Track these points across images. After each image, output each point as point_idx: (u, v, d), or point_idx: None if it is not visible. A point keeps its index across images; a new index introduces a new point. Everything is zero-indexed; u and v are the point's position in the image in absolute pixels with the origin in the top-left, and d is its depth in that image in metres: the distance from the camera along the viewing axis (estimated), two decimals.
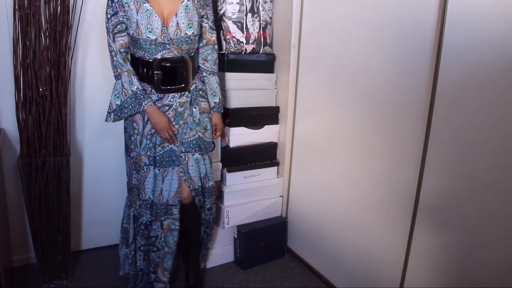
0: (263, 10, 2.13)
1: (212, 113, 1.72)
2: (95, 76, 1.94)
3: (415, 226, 1.43)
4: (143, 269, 1.71)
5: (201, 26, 1.62)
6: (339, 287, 1.86)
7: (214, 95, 1.72)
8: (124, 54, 1.53)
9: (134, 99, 1.51)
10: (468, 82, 1.22)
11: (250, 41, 2.10)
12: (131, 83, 1.51)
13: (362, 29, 1.61)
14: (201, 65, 1.69)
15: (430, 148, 1.35)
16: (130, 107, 1.52)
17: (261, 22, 2.13)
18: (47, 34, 1.65)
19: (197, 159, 1.66)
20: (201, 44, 1.67)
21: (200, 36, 1.64)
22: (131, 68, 1.53)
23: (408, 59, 1.42)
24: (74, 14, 1.71)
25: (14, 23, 1.60)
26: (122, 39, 1.51)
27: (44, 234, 1.74)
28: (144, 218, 1.65)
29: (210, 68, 1.70)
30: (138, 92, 1.51)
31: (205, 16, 1.62)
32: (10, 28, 1.64)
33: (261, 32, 2.13)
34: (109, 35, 1.51)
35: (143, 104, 1.52)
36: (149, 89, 1.55)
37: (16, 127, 1.68)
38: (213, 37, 1.68)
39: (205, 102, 1.68)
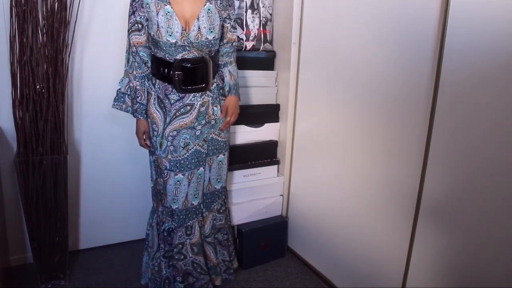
0: (263, 6, 2.11)
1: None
2: (93, 73, 1.92)
3: (417, 225, 1.42)
4: (170, 277, 1.66)
5: (223, 27, 1.60)
6: (340, 287, 1.85)
7: (225, 84, 1.67)
8: (133, 54, 1.54)
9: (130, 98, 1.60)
10: (471, 80, 1.20)
11: (250, 38, 2.09)
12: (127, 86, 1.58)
13: (364, 25, 1.59)
14: (220, 62, 1.67)
15: (432, 146, 1.33)
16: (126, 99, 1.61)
17: (261, 18, 2.11)
18: (44, 31, 1.63)
19: (220, 161, 1.69)
20: (221, 43, 1.64)
21: (222, 35, 1.62)
22: (133, 71, 1.56)
23: (410, 56, 1.40)
24: (72, 10, 1.70)
25: (10, 19, 1.59)
26: (136, 38, 1.52)
27: (41, 233, 1.73)
28: (166, 225, 1.62)
29: (223, 61, 1.67)
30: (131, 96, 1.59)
31: (227, 17, 1.60)
32: (6, 25, 1.63)
33: (261, 29, 2.12)
34: (127, 33, 1.54)
35: (136, 111, 1.59)
36: (170, 88, 1.53)
37: (13, 125, 1.67)
38: (234, 36, 1.66)
39: (224, 100, 1.67)
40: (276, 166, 2.18)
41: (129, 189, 2.12)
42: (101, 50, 1.91)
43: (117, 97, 1.59)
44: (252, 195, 2.11)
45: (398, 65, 1.45)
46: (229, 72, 1.69)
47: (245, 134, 2.08)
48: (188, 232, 1.64)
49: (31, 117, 1.66)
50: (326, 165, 1.88)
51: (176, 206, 1.59)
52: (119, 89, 1.58)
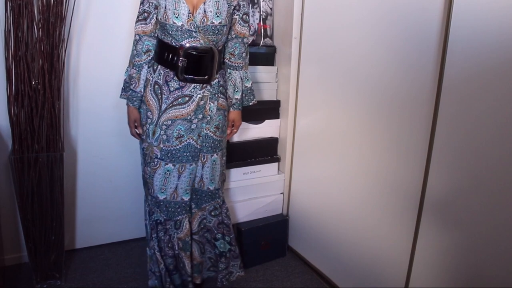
0: (264, 0, 2.10)
1: (231, 109, 1.70)
2: (89, 69, 1.90)
3: (420, 224, 1.40)
4: (169, 269, 1.64)
5: (232, 18, 1.58)
6: (342, 287, 1.82)
7: (237, 91, 1.67)
8: (135, 42, 1.56)
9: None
10: (475, 76, 1.18)
11: (250, 33, 2.06)
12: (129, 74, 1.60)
13: (365, 20, 1.57)
14: (226, 60, 1.64)
15: (436, 143, 1.31)
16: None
17: (262, 13, 2.10)
18: (40, 25, 1.61)
19: (214, 160, 1.64)
20: (229, 37, 1.61)
21: (230, 28, 1.59)
22: (132, 59, 1.57)
23: (413, 49, 1.38)
24: (68, 4, 1.68)
25: (5, 14, 1.57)
26: (141, 27, 1.54)
27: (36, 232, 1.71)
28: (154, 215, 1.61)
29: (235, 63, 1.64)
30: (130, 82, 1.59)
31: (237, 8, 1.56)
32: (1, 19, 1.61)
33: (262, 24, 2.10)
34: (136, 21, 1.56)
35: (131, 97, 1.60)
36: (172, 75, 1.52)
37: (8, 121, 1.64)
38: (244, 30, 1.61)
39: (223, 99, 1.63)
40: (276, 163, 2.16)
41: (126, 187, 2.10)
42: (98, 45, 1.88)
43: (123, 87, 1.62)
44: (252, 193, 2.09)
45: (400, 59, 1.43)
46: (241, 79, 1.67)
47: (245, 131, 2.06)
48: (176, 226, 1.61)
49: (26, 114, 1.64)
50: (327, 162, 1.86)
51: (164, 197, 1.56)
52: (125, 79, 1.61)
